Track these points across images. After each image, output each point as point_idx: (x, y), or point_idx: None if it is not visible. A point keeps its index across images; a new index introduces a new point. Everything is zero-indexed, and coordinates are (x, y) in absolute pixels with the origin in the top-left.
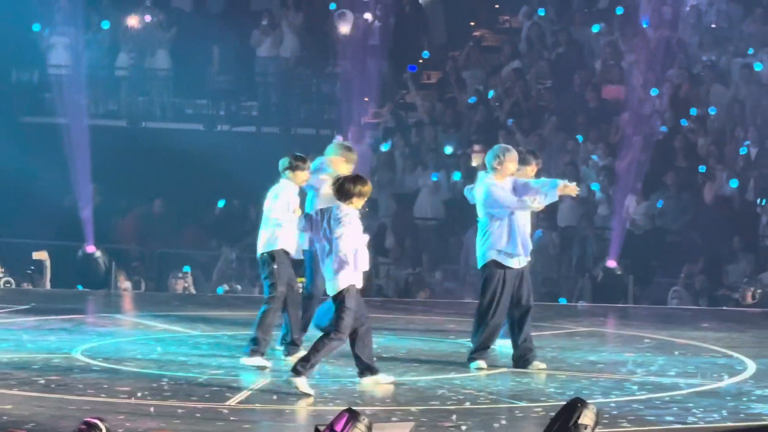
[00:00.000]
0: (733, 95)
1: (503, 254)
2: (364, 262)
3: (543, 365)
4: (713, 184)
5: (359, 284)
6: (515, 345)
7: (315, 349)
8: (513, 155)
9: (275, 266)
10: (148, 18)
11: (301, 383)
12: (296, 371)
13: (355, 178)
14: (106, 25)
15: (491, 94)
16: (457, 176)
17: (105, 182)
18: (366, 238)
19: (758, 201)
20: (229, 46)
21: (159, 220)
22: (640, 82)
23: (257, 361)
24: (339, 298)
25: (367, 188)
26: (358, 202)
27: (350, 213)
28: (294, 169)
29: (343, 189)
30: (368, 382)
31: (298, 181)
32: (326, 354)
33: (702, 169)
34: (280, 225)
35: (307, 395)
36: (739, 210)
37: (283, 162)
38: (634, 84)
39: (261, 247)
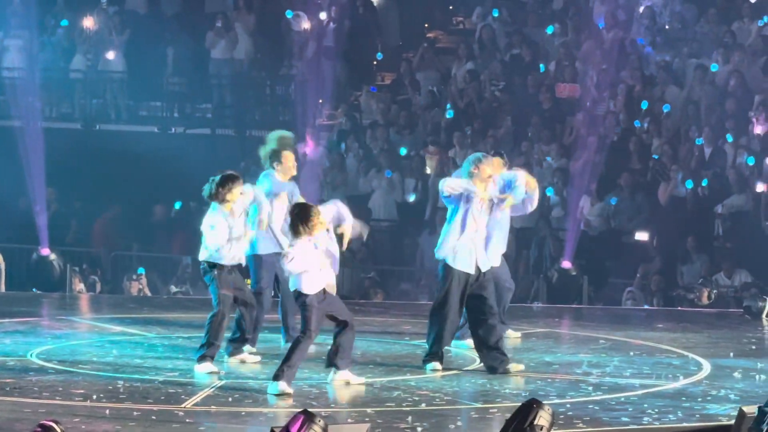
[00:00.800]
0: (688, 96)
1: (453, 259)
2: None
3: (521, 366)
4: (667, 185)
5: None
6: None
7: (290, 351)
8: (489, 159)
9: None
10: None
11: (281, 385)
12: (276, 375)
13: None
14: (65, 23)
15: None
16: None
17: (59, 185)
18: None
19: None
20: (184, 48)
21: (113, 223)
22: (594, 83)
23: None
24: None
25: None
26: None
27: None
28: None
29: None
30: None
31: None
32: (299, 354)
33: (656, 170)
34: None
35: (287, 394)
36: (693, 210)
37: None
38: (588, 85)
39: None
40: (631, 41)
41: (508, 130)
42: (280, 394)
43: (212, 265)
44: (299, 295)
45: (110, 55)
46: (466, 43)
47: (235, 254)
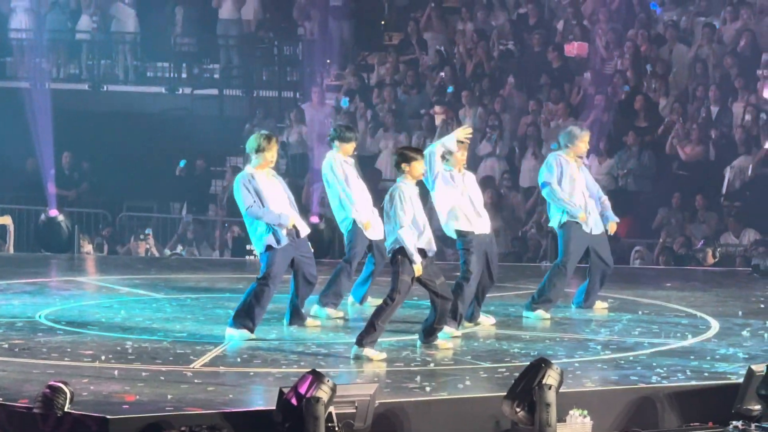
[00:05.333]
0: (695, 54)
1: None
2: None
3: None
4: (675, 144)
5: None
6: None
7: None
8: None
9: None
10: None
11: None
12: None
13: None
14: None
15: (454, 59)
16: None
17: (67, 145)
18: None
19: None
20: (192, 8)
21: (121, 183)
22: (602, 42)
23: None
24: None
25: None
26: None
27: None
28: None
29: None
30: None
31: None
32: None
33: (663, 128)
34: None
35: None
36: (701, 169)
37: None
38: (596, 44)
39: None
40: (639, 0)
41: (516, 90)
42: None
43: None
44: None
45: (117, 10)
46: (473, 3)
47: None
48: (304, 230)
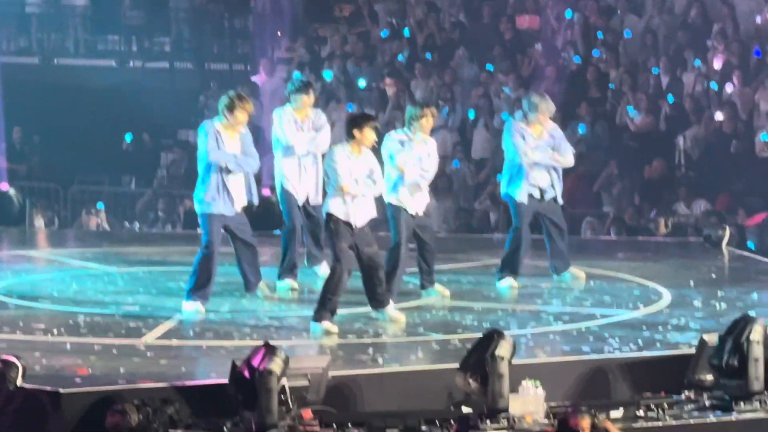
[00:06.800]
0: (646, 25)
1: None
2: None
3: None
4: (626, 114)
5: None
6: None
7: None
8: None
9: None
10: None
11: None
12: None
13: None
14: None
15: (406, 31)
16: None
17: (17, 119)
18: None
19: None
20: None
21: (72, 157)
22: (553, 13)
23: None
24: None
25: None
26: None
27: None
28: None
29: None
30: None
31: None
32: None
33: (615, 99)
34: None
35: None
36: (653, 139)
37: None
38: (547, 14)
39: None
40: None
41: (467, 61)
42: None
43: None
44: None
45: None
46: None
47: None
48: (240, 203)
